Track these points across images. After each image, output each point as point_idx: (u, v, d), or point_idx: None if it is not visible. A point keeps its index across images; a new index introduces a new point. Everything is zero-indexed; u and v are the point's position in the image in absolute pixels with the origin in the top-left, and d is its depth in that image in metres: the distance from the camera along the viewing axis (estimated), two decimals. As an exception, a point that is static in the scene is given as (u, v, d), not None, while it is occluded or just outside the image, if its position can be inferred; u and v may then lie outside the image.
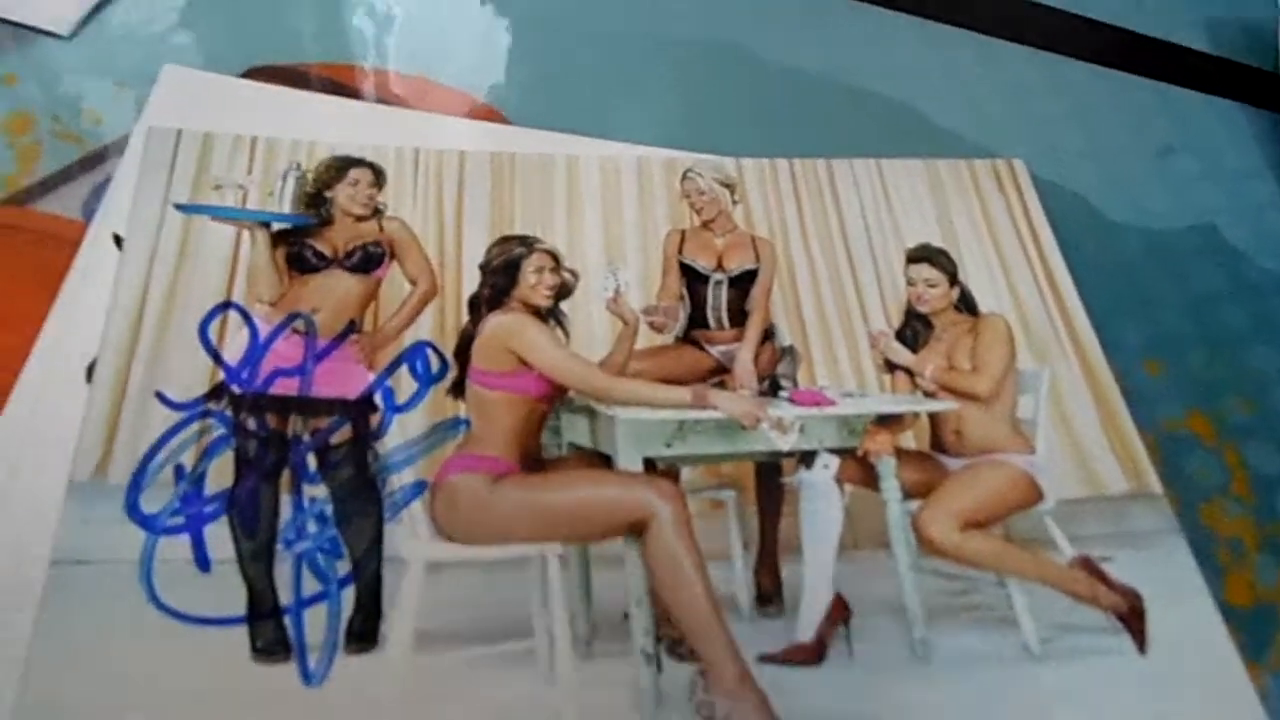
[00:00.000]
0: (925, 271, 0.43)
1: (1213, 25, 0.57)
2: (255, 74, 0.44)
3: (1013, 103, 0.51)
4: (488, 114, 0.45)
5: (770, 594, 0.35)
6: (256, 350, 0.36)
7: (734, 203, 0.44)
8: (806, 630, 0.34)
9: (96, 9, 0.45)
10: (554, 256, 0.39)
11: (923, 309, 0.42)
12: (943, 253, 0.43)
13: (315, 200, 0.40)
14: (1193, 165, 0.51)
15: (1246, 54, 0.56)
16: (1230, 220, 0.49)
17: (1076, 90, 0.53)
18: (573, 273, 0.40)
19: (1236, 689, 0.33)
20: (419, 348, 0.38)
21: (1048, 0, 0.56)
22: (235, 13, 0.47)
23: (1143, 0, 0.57)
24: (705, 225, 0.43)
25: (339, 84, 0.45)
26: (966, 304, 0.42)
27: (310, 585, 0.32)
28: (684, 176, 0.44)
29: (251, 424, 0.35)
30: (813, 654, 0.33)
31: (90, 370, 0.35)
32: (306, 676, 0.30)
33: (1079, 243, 0.45)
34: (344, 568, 0.33)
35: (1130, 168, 0.50)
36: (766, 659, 0.33)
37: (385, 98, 0.45)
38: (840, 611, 0.34)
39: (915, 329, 0.42)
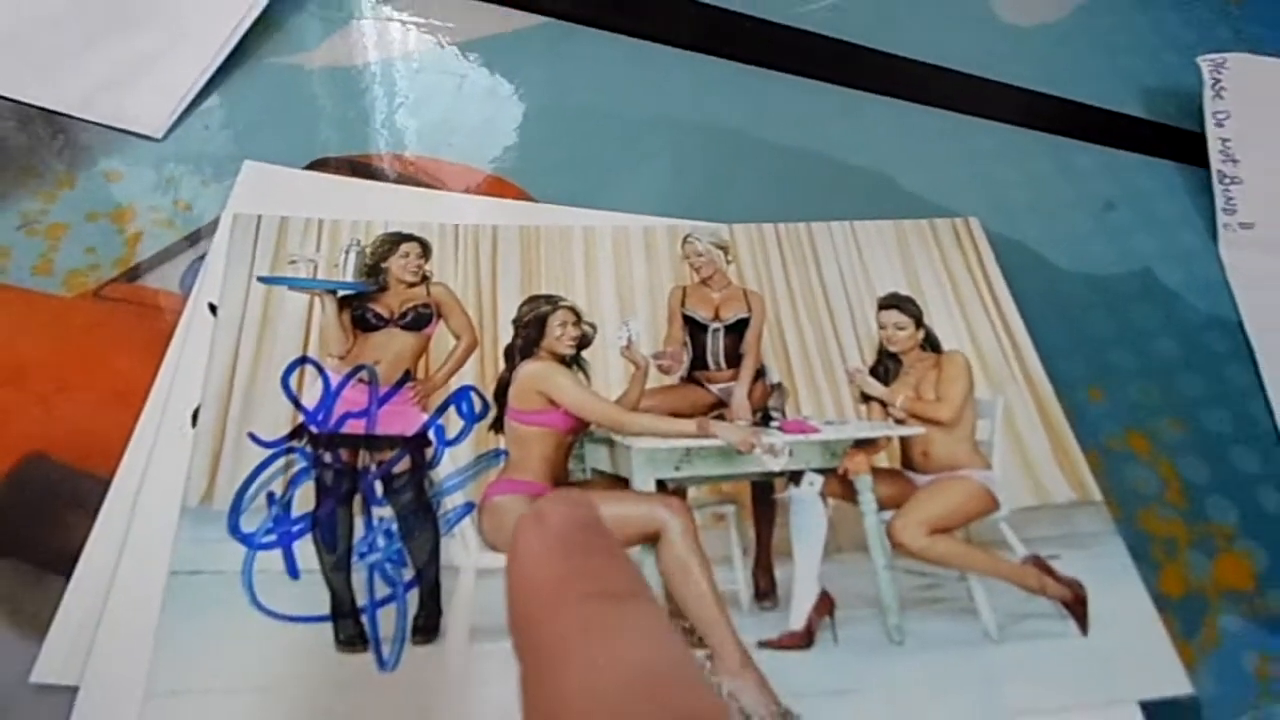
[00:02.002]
0: (894, 317, 0.49)
1: (1146, 93, 0.65)
2: (318, 165, 0.52)
3: (969, 168, 0.58)
4: (516, 193, 0.53)
5: (766, 591, 0.41)
6: (329, 397, 0.43)
7: (728, 262, 0.51)
8: (798, 621, 0.40)
9: (183, 115, 0.53)
10: (575, 312, 0.47)
11: (893, 349, 0.49)
12: (910, 300, 0.50)
13: (373, 270, 0.47)
14: (1131, 218, 0.57)
15: (1177, 117, 0.63)
16: (1165, 266, 0.55)
17: (1026, 155, 0.60)
18: (591, 325, 0.47)
19: (1164, 661, 0.39)
20: (464, 392, 0.45)
21: (999, 78, 0.64)
22: (298, 114, 0.55)
23: (1084, 73, 0.65)
24: (704, 282, 0.50)
25: (390, 172, 0.53)
26: (931, 343, 0.49)
27: (381, 589, 0.38)
28: (684, 241, 0.51)
29: (328, 458, 0.41)
30: (803, 640, 0.39)
31: (194, 416, 0.41)
32: (381, 664, 0.36)
33: (1029, 288, 0.51)
34: (409, 575, 0.39)
35: (1075, 222, 0.57)
36: (764, 644, 0.39)
37: (429, 182, 0.52)
38: (826, 605, 0.40)
39: (887, 366, 0.48)
